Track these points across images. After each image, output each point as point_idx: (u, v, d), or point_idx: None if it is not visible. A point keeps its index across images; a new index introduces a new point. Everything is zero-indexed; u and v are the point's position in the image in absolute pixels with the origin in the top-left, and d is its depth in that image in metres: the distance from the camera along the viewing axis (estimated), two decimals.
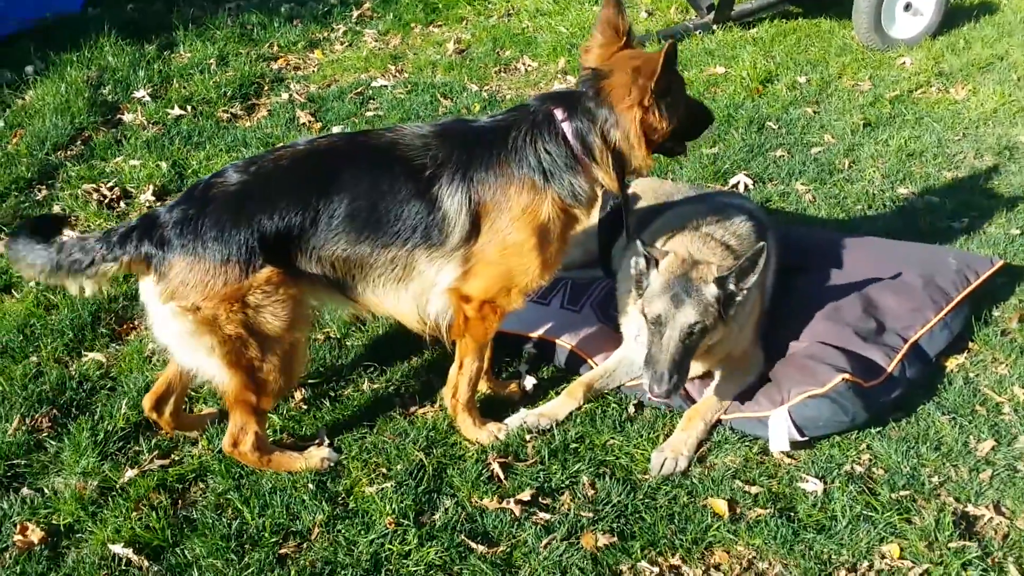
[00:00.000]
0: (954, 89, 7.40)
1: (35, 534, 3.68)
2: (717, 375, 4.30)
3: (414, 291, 3.91)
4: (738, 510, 3.77)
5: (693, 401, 4.27)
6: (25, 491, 3.93)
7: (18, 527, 3.72)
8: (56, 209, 6.00)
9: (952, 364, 4.50)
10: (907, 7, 8.20)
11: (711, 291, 3.93)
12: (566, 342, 4.57)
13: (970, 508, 3.75)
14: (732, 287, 3.94)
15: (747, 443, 4.10)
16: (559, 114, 3.83)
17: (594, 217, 4.39)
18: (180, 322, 3.64)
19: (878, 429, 4.12)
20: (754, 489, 3.86)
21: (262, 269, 3.64)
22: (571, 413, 4.28)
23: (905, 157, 6.42)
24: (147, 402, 4.11)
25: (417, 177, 3.76)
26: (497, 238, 3.80)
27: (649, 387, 3.96)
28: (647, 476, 3.95)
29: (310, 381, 4.53)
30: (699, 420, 4.11)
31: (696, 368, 4.23)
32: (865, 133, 6.80)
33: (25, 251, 3.69)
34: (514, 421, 4.23)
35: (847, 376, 4.01)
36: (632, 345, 4.39)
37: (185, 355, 3.78)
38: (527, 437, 4.14)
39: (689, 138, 4.17)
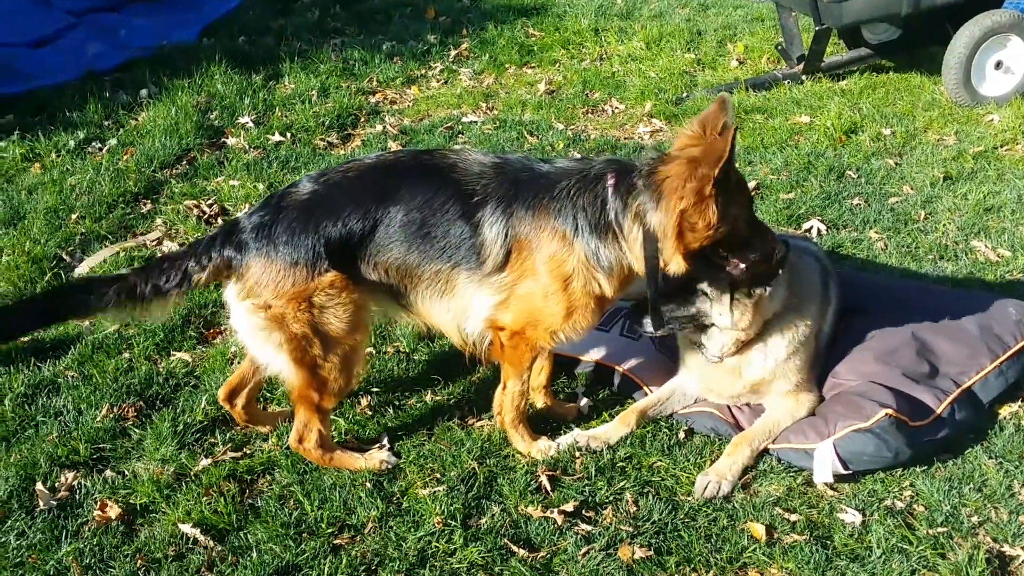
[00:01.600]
0: None
1: (113, 511, 3.97)
2: (768, 406, 4.41)
3: (455, 308, 4.11)
4: (775, 535, 3.87)
5: (741, 428, 4.39)
6: (108, 472, 4.24)
7: (98, 503, 4.01)
8: (158, 222, 6.42)
9: (1005, 411, 4.52)
10: (998, 65, 8.17)
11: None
12: (622, 367, 4.74)
13: (1006, 548, 3.78)
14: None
15: (792, 473, 4.19)
16: (610, 179, 3.91)
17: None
18: (253, 318, 3.95)
19: (923, 468, 4.17)
20: (793, 517, 3.95)
21: (327, 273, 3.91)
22: (623, 438, 4.41)
23: (983, 211, 6.42)
24: (222, 392, 4.41)
25: (466, 201, 3.95)
26: (525, 276, 3.98)
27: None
28: (690, 498, 4.07)
29: (374, 390, 4.77)
30: (746, 446, 4.21)
31: (739, 389, 4.41)
32: (945, 186, 6.80)
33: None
34: (566, 440, 4.38)
35: (890, 411, 4.07)
36: (686, 374, 4.55)
37: (257, 349, 4.07)
38: (576, 454, 4.30)
39: (746, 262, 3.92)
